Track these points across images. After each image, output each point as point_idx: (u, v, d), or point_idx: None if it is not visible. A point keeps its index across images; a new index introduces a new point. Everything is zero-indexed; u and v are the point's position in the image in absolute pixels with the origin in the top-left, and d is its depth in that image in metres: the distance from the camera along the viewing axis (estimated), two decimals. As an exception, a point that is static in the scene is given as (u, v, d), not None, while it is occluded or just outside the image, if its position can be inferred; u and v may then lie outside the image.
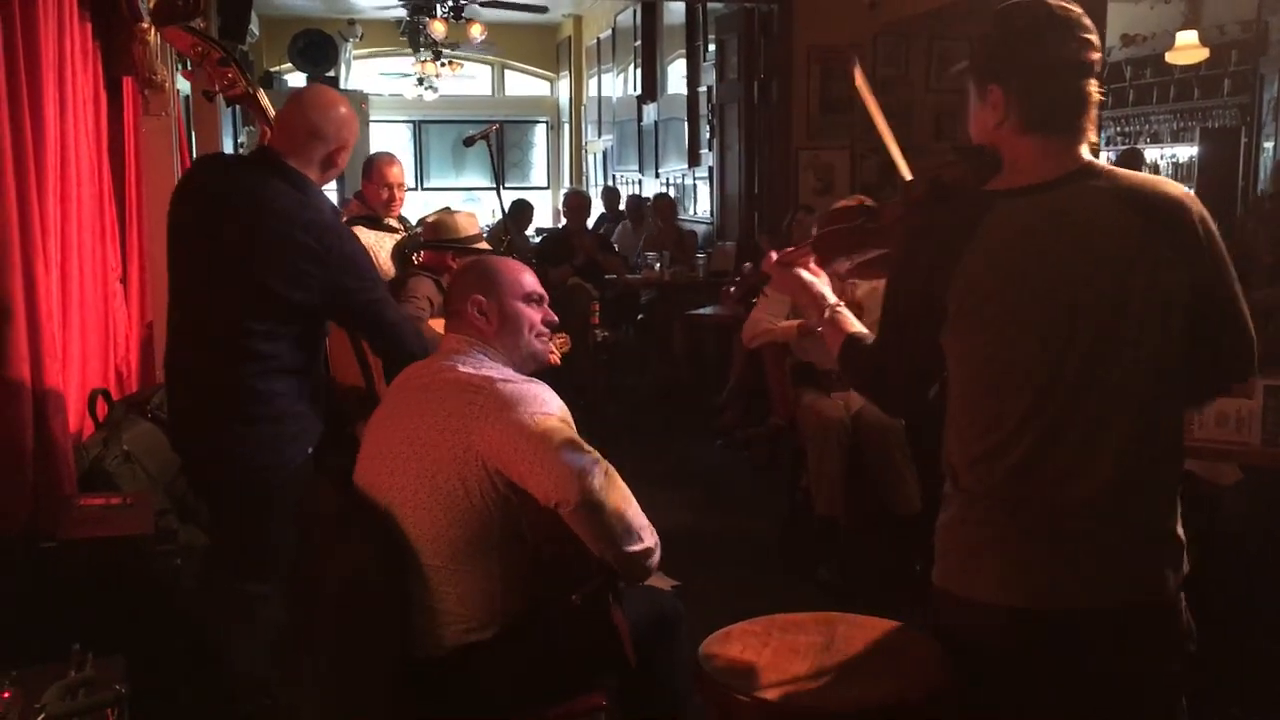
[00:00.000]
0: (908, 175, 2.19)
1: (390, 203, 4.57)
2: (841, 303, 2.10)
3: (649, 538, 2.25)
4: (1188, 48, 7.06)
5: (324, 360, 3.07)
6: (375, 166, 4.58)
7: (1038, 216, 1.76)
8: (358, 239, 2.99)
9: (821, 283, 2.14)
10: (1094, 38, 1.78)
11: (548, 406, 2.22)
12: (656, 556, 2.30)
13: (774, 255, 2.21)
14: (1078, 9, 1.79)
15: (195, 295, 2.76)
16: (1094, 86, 1.78)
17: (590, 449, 2.21)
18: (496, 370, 2.31)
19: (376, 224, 4.62)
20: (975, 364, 1.81)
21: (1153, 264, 1.74)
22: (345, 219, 4.71)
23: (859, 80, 2.46)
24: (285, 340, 2.70)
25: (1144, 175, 1.86)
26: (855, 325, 2.03)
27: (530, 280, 2.46)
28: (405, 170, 4.74)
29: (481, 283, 2.39)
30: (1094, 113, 1.80)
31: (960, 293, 1.77)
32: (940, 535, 1.91)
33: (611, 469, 2.22)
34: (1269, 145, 6.78)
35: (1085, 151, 1.81)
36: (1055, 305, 1.74)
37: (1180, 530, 1.84)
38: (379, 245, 4.58)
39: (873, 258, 2.08)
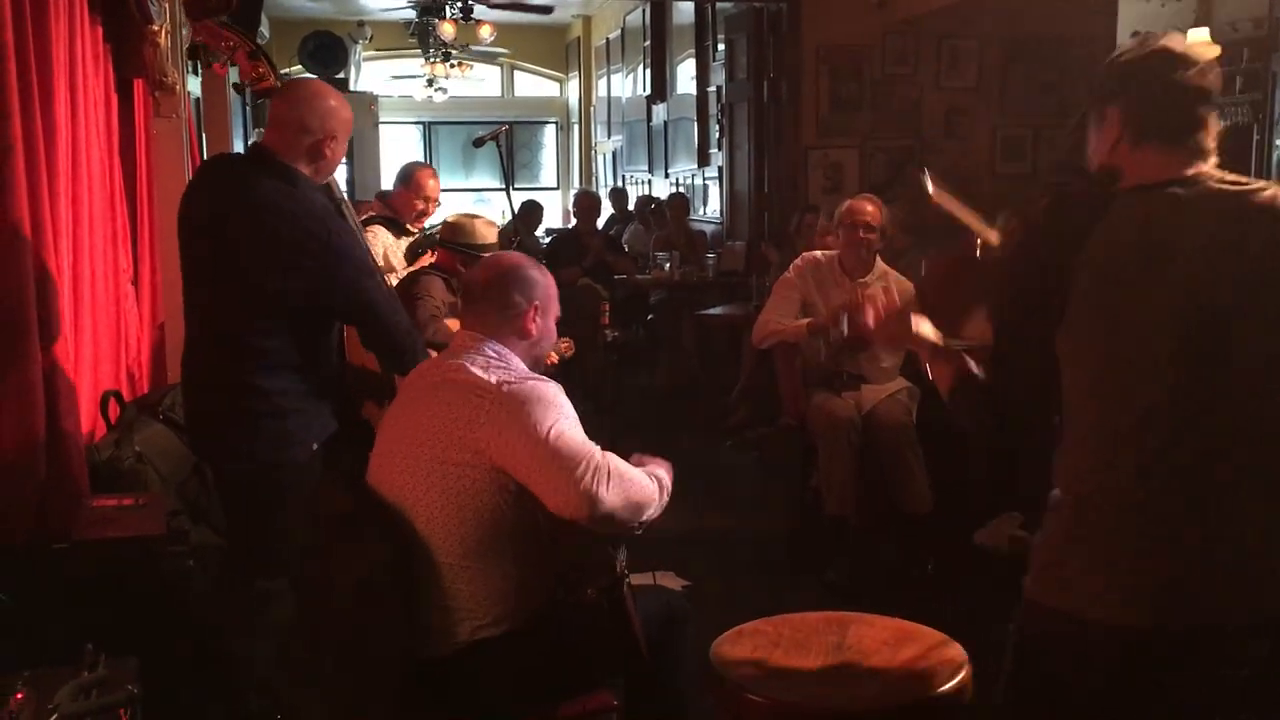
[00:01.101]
0: (995, 240, 2.05)
1: (422, 215, 4.65)
2: (950, 341, 2.01)
3: (661, 495, 2.37)
4: (1199, 45, 7.02)
5: (339, 350, 3.08)
6: (415, 177, 4.64)
7: (1162, 208, 1.73)
8: (353, 233, 3.00)
9: (923, 323, 2.05)
10: (1212, 72, 1.79)
11: (553, 404, 2.25)
12: (667, 490, 2.41)
13: (870, 319, 2.17)
14: (1201, 54, 1.79)
15: (201, 296, 2.83)
16: (1212, 114, 1.78)
17: (588, 449, 2.24)
18: (506, 369, 2.33)
19: (398, 229, 4.64)
20: (1092, 363, 1.75)
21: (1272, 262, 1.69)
22: (364, 217, 4.77)
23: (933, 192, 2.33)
24: (285, 335, 2.73)
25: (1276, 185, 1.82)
26: (967, 360, 1.97)
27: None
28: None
29: (541, 294, 2.46)
30: (1213, 134, 1.79)
31: (1079, 293, 1.72)
32: (1042, 545, 1.82)
33: (611, 461, 2.26)
34: (1280, 143, 6.74)
35: (1202, 159, 1.78)
36: (1179, 296, 1.69)
37: None
38: (398, 247, 4.61)
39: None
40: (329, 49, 12.12)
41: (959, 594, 4.15)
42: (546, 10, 11.04)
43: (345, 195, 3.25)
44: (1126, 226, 1.73)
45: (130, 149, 4.00)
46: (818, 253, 4.68)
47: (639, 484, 2.29)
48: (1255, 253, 1.69)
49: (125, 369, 3.74)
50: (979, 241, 1.95)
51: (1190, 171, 1.76)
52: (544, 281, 2.49)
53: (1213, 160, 1.78)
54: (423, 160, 5.13)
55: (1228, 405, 1.68)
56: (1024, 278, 1.81)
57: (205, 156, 5.03)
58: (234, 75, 3.39)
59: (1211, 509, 1.68)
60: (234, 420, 2.77)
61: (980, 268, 1.96)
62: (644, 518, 2.31)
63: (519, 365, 2.39)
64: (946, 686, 2.05)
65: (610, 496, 2.20)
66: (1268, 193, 1.74)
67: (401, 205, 4.67)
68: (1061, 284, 1.73)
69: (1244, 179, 1.77)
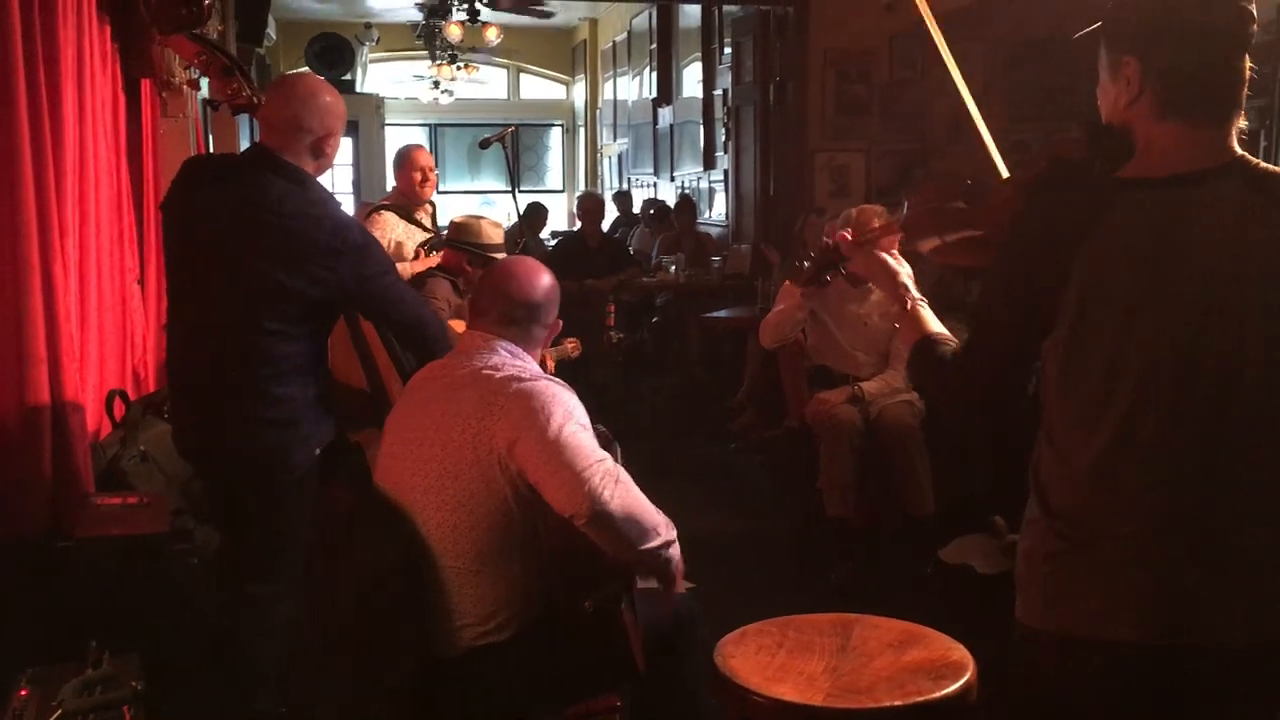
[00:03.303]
0: (1004, 169, 1.99)
1: (424, 184, 4.90)
2: (923, 298, 1.91)
3: (665, 532, 2.28)
4: (1253, 29, 6.98)
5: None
6: (406, 155, 4.95)
7: (1173, 215, 1.53)
8: (365, 227, 2.99)
9: (905, 271, 1.97)
10: (1251, 8, 1.53)
11: (565, 407, 2.24)
12: (675, 548, 2.33)
13: (849, 235, 2.04)
14: None
15: (200, 300, 2.72)
16: (1247, 65, 1.54)
17: (600, 454, 2.22)
18: (518, 367, 2.33)
19: (407, 215, 4.85)
20: (1087, 373, 1.58)
21: None
22: (375, 206, 4.90)
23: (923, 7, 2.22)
24: (299, 341, 2.69)
25: None
26: (936, 325, 1.85)
27: None
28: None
29: (555, 309, 2.51)
30: (1244, 93, 1.55)
31: (1075, 294, 1.55)
32: (1028, 564, 1.68)
33: (622, 472, 2.24)
34: (1265, 145, 6.72)
35: (1234, 142, 1.56)
36: (1183, 314, 1.53)
37: None
38: (408, 236, 4.75)
39: (964, 238, 1.84)
40: (336, 50, 12.17)
41: (963, 596, 4.15)
42: (547, 15, 11.05)
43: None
44: (1135, 237, 1.54)
45: (137, 149, 4.01)
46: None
47: (645, 504, 2.26)
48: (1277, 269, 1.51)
49: (131, 368, 3.75)
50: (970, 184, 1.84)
51: (1217, 160, 1.55)
52: (558, 299, 2.52)
53: (1240, 124, 1.57)
54: (410, 142, 5.34)
55: (1238, 424, 1.55)
56: (1015, 265, 1.64)
57: (211, 152, 5.04)
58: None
59: (1218, 525, 1.55)
60: (240, 426, 2.69)
61: (979, 195, 1.84)
62: (644, 545, 2.23)
63: (533, 365, 2.39)
64: (951, 689, 2.05)
65: (613, 501, 2.17)
66: None
67: (404, 186, 4.93)
68: (1056, 285, 1.57)
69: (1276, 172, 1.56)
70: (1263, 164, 1.58)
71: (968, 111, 2.21)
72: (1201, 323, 1.53)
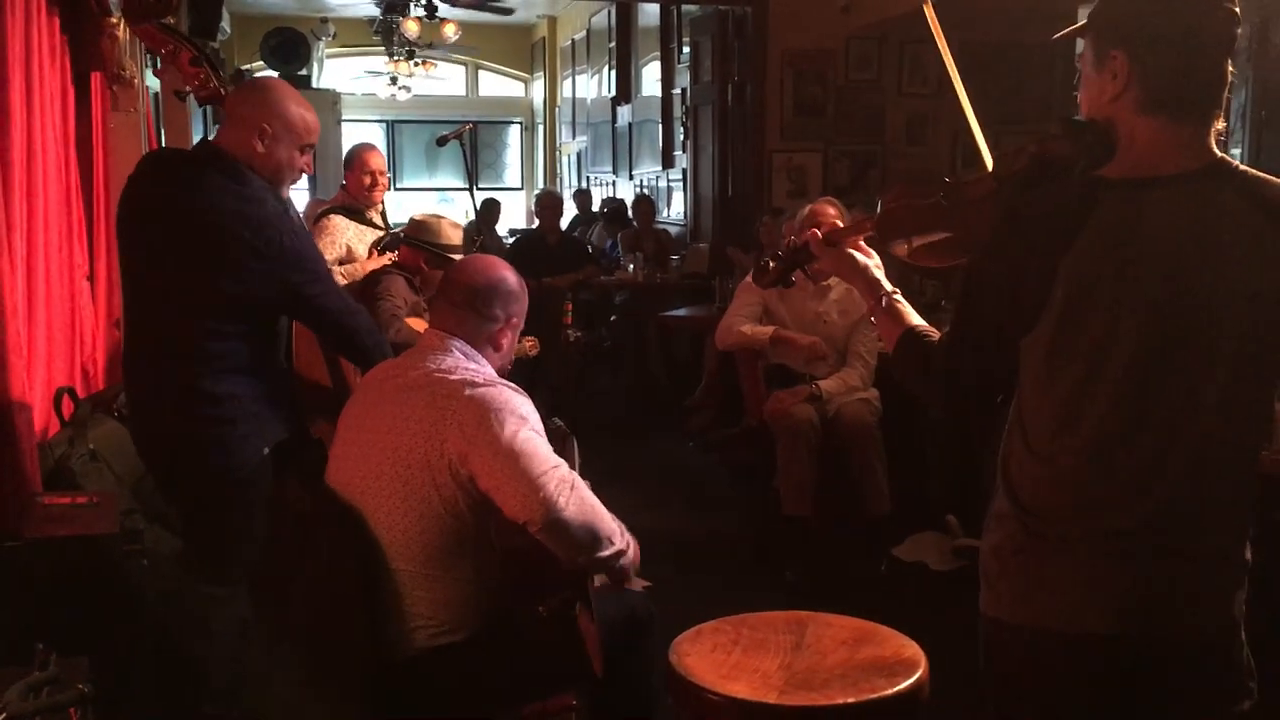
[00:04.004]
0: (989, 161, 1.94)
1: (373, 189, 4.76)
2: (898, 291, 1.89)
3: (619, 540, 2.27)
4: (1238, 30, 7.08)
5: (287, 356, 3.03)
6: (356, 155, 4.80)
7: (1157, 219, 1.54)
8: (305, 235, 2.95)
9: (875, 266, 1.94)
10: (1238, 10, 1.56)
11: (518, 414, 2.22)
12: (629, 556, 2.32)
13: (819, 232, 2.01)
14: None
15: (142, 297, 2.73)
16: (1230, 67, 1.56)
17: (556, 461, 2.21)
18: (472, 370, 2.31)
19: (358, 216, 4.71)
20: (1067, 372, 1.59)
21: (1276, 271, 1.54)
22: (320, 210, 4.79)
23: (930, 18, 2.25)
24: (235, 339, 2.66)
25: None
26: (915, 317, 1.84)
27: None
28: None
29: (520, 311, 2.47)
30: (1225, 94, 1.58)
31: (1060, 294, 1.55)
32: (997, 559, 1.69)
33: (577, 479, 2.23)
34: (1237, 151, 6.83)
35: (1213, 144, 1.57)
36: (1160, 317, 1.54)
37: (1249, 557, 1.66)
38: (358, 238, 4.66)
39: (938, 240, 1.82)
40: (291, 45, 12.04)
41: (917, 593, 4.20)
42: (508, 11, 11.02)
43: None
44: (1119, 238, 1.54)
45: (87, 143, 3.94)
46: (779, 255, 4.71)
47: (600, 511, 2.25)
48: (1260, 273, 1.53)
49: (80, 365, 3.69)
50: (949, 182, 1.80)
51: (1200, 161, 1.56)
52: (524, 298, 2.47)
53: (1218, 125, 1.58)
54: (366, 141, 5.19)
55: (1207, 422, 1.57)
56: (998, 267, 1.63)
57: (164, 146, 4.98)
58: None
59: (1189, 523, 1.59)
60: (183, 428, 2.67)
61: (955, 193, 1.80)
62: (597, 553, 2.23)
63: (488, 369, 2.36)
64: (904, 685, 2.07)
65: (568, 508, 2.16)
66: None
67: (353, 187, 4.80)
68: (1040, 286, 1.57)
69: (1260, 178, 1.58)
70: (1244, 167, 1.59)
71: (962, 109, 2.26)
72: (1177, 325, 1.55)
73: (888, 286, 1.90)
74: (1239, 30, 1.57)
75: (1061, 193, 1.60)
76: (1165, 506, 1.59)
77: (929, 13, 2.32)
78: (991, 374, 1.70)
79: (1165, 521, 1.59)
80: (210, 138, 2.79)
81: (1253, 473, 1.65)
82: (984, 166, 1.98)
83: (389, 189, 4.94)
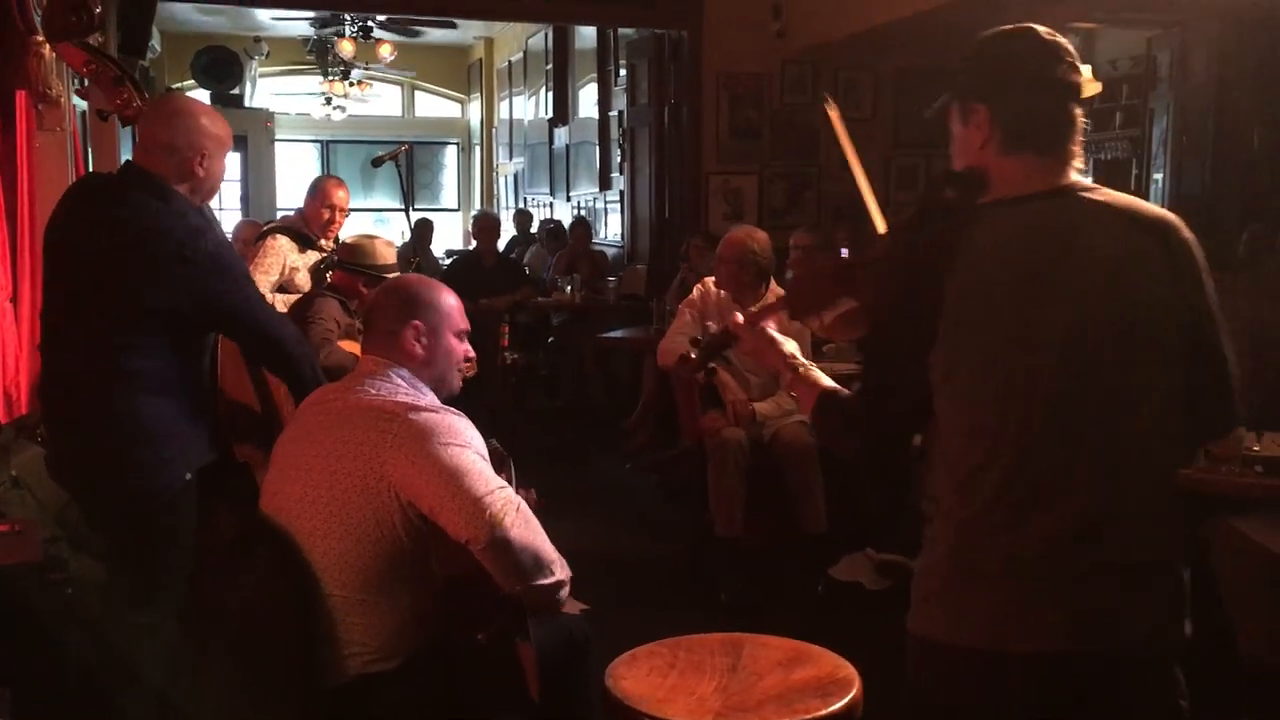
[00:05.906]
0: (881, 227, 2.14)
1: (330, 224, 4.69)
2: (811, 362, 2.03)
3: (560, 571, 2.26)
4: (1083, 82, 7.29)
5: (213, 378, 2.99)
6: (322, 187, 4.72)
7: (1028, 223, 1.69)
8: (229, 245, 2.92)
9: (789, 342, 2.08)
10: (1079, 64, 1.75)
11: (461, 438, 2.21)
12: (567, 589, 2.31)
13: (739, 316, 2.13)
14: (1063, 39, 1.76)
15: (61, 318, 2.69)
16: (1079, 112, 1.75)
17: (501, 483, 2.20)
18: (413, 396, 2.29)
19: (304, 241, 4.63)
20: (967, 385, 1.67)
21: (1149, 276, 1.67)
22: (266, 226, 4.73)
23: (834, 119, 2.46)
24: (155, 356, 2.62)
25: (1133, 197, 1.79)
26: (828, 381, 1.96)
27: (463, 315, 2.48)
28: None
29: (424, 311, 2.38)
30: (1080, 138, 1.75)
31: (950, 309, 1.66)
32: (927, 578, 1.75)
33: (523, 503, 2.22)
34: (1159, 176, 7.02)
35: (1074, 173, 1.74)
36: (1048, 314, 1.64)
37: (1182, 573, 1.71)
38: (303, 262, 4.57)
39: (848, 311, 1.97)
40: (224, 64, 11.91)
41: (853, 613, 4.23)
42: (449, 25, 11.01)
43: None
44: (995, 243, 1.67)
45: (10, 163, 3.86)
46: (712, 279, 4.79)
47: (544, 539, 2.23)
48: (1137, 271, 1.66)
49: (2, 390, 3.60)
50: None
51: (1061, 182, 1.72)
52: (429, 298, 2.41)
53: (1078, 164, 1.75)
54: (335, 175, 5.12)
55: (1110, 423, 1.64)
56: (894, 296, 1.76)
57: (91, 172, 4.89)
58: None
59: (1104, 529, 1.63)
60: (102, 450, 2.63)
61: (846, 264, 2.00)
62: (537, 580, 2.20)
63: (430, 396, 2.34)
64: (837, 706, 2.08)
65: (514, 528, 2.15)
66: (1155, 214, 1.73)
67: (310, 215, 4.72)
68: (933, 303, 1.66)
69: (1114, 193, 1.74)
70: (1099, 186, 1.75)
71: (859, 189, 2.36)
72: (1059, 325, 1.64)
73: (802, 359, 2.04)
74: (1082, 81, 1.76)
75: (942, 223, 1.75)
76: (1088, 520, 1.63)
77: (832, 114, 2.52)
78: (905, 414, 1.76)
79: (1094, 537, 1.63)
80: (132, 159, 2.76)
81: (1171, 475, 1.73)
82: (876, 234, 2.15)
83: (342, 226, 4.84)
